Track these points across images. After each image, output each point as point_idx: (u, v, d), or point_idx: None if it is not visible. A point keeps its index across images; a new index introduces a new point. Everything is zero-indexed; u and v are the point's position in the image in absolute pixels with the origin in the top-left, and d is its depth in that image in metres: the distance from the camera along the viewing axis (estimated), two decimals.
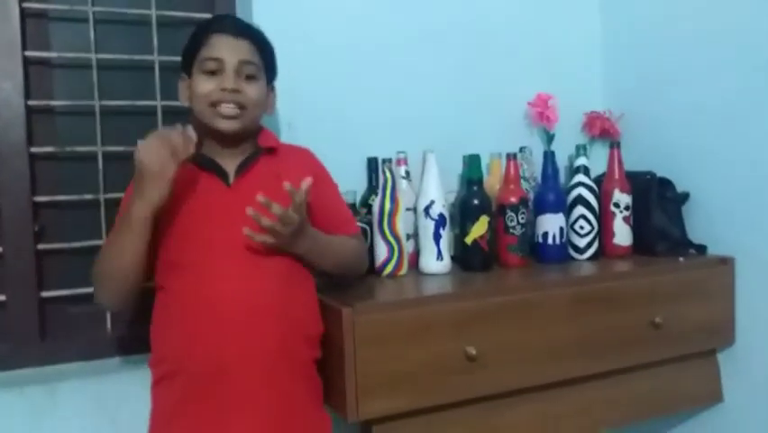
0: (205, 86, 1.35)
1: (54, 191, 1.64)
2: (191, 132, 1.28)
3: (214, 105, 1.35)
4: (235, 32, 1.38)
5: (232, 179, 1.37)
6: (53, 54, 1.66)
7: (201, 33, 1.38)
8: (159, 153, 1.23)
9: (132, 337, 1.62)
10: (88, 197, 1.64)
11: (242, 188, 1.35)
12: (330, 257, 1.43)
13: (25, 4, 1.60)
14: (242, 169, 1.38)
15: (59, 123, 1.69)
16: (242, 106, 1.36)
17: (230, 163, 1.38)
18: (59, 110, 1.69)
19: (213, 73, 1.35)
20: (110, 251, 1.31)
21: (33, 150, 1.60)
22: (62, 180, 1.67)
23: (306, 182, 1.27)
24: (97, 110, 1.66)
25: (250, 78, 1.37)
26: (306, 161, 1.50)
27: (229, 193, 1.36)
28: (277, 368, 1.29)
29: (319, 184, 1.44)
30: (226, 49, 1.35)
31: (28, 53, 1.60)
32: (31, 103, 1.60)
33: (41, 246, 1.61)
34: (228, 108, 1.34)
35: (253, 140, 1.44)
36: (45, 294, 1.61)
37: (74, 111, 1.69)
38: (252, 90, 1.37)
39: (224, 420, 1.27)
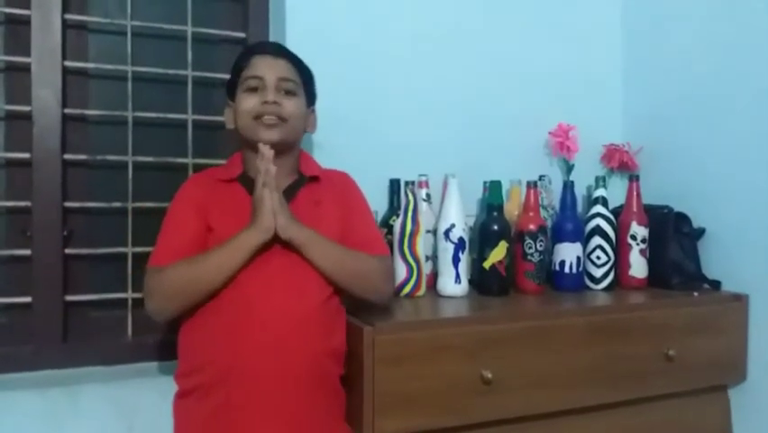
0: (247, 102, 1.43)
1: (84, 198, 1.68)
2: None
3: (256, 118, 1.41)
4: (274, 52, 1.47)
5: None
6: (91, 65, 1.71)
7: (243, 58, 1.48)
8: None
9: (153, 345, 1.66)
10: (117, 204, 1.69)
11: None
12: (338, 264, 1.40)
13: (67, 16, 1.65)
14: (287, 197, 1.40)
15: (92, 131, 1.74)
16: (282, 118, 1.42)
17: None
18: (93, 119, 1.73)
19: (254, 90, 1.43)
20: (204, 268, 1.33)
21: (67, 156, 1.65)
22: (92, 187, 1.72)
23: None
24: (130, 121, 1.70)
25: (289, 93, 1.44)
26: (343, 187, 1.54)
27: None
28: (309, 383, 1.33)
29: (348, 207, 1.50)
30: (266, 67, 1.43)
31: (67, 63, 1.65)
32: (67, 111, 1.65)
33: (68, 250, 1.65)
34: (269, 118, 1.41)
35: (295, 163, 1.50)
36: (69, 298, 1.65)
37: (107, 120, 1.73)
38: (291, 104, 1.44)
39: (258, 429, 1.30)
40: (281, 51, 1.48)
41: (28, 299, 1.61)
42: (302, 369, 1.32)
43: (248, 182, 1.43)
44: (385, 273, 1.48)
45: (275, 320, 1.31)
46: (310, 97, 1.53)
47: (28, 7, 1.60)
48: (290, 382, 1.31)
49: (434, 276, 1.71)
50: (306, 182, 1.48)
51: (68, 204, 1.65)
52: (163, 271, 1.35)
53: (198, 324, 1.35)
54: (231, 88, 1.49)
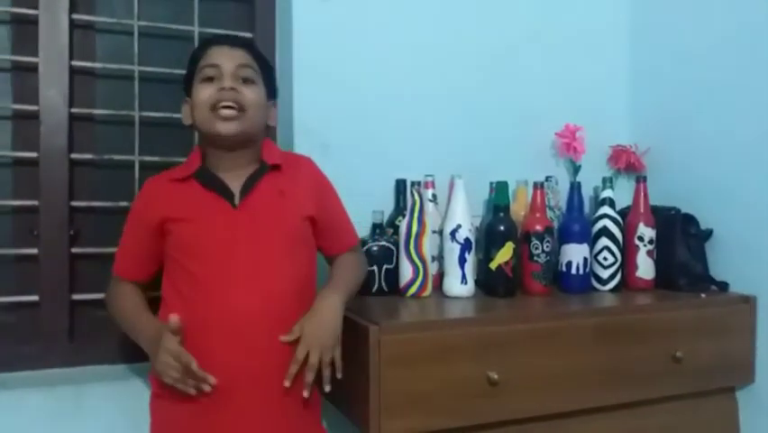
0: (204, 91, 1.37)
1: (90, 197, 1.69)
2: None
3: (213, 108, 1.36)
4: (231, 42, 1.42)
5: (237, 199, 1.38)
6: (98, 65, 1.71)
7: (199, 50, 1.43)
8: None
9: None
10: (123, 204, 1.68)
11: (248, 209, 1.38)
12: (355, 291, 1.50)
13: (74, 16, 1.66)
14: (248, 188, 1.39)
15: (98, 131, 1.74)
16: (240, 108, 1.37)
17: (234, 180, 1.40)
18: (100, 119, 1.73)
19: (211, 80, 1.38)
20: (122, 318, 1.44)
21: (74, 156, 1.65)
22: (99, 187, 1.72)
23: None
24: (137, 120, 1.71)
25: (247, 81, 1.40)
26: (307, 174, 1.52)
27: (235, 214, 1.37)
28: (282, 386, 1.32)
29: (322, 196, 1.50)
30: (222, 55, 1.38)
31: (74, 63, 1.65)
32: (74, 111, 1.65)
33: (75, 250, 1.65)
34: (227, 111, 1.36)
35: (257, 153, 1.45)
36: (76, 297, 1.65)
37: (114, 120, 1.74)
38: (250, 92, 1.39)
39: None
40: (239, 42, 1.44)
41: (35, 298, 1.62)
42: (274, 373, 1.32)
43: (206, 177, 1.39)
44: (364, 263, 1.60)
45: (244, 324, 1.31)
46: (271, 90, 1.48)
47: (36, 7, 1.61)
48: (262, 387, 1.31)
49: (440, 277, 1.71)
50: (267, 170, 1.43)
51: (74, 203, 1.65)
52: (114, 285, 1.46)
53: None
54: (187, 83, 1.43)
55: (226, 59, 1.38)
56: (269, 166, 1.43)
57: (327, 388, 1.32)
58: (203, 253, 1.35)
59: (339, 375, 1.33)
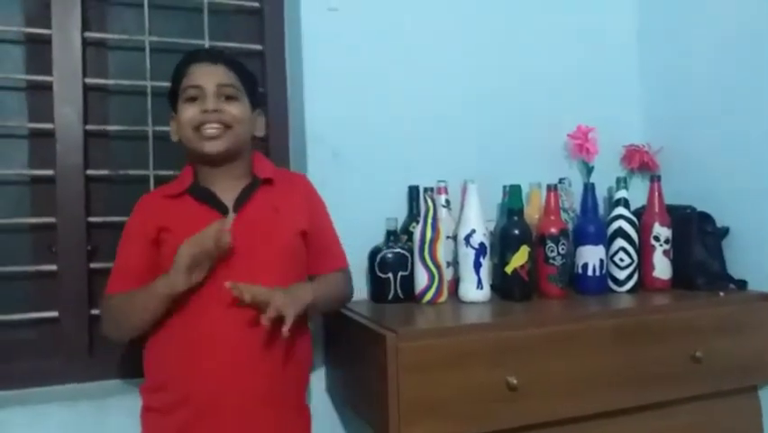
0: (187, 112, 1.39)
1: (107, 212, 1.70)
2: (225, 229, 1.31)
3: (197, 128, 1.38)
4: (210, 59, 1.42)
5: (230, 213, 1.40)
6: (111, 81, 1.73)
7: (181, 67, 1.43)
8: (195, 254, 1.28)
9: None
10: None
11: (242, 224, 1.38)
12: (329, 306, 1.51)
13: (86, 34, 1.68)
14: (241, 203, 1.40)
15: (113, 147, 1.76)
16: (225, 125, 1.38)
17: (227, 193, 1.41)
18: (114, 134, 1.75)
19: (194, 100, 1.39)
20: (132, 307, 1.36)
21: (89, 172, 1.67)
22: (115, 202, 1.73)
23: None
24: (150, 135, 1.72)
25: (230, 98, 1.41)
26: (303, 191, 1.53)
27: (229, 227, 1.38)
28: (270, 401, 1.34)
29: (314, 213, 1.51)
30: (204, 75, 1.39)
31: (88, 80, 1.67)
32: (88, 127, 1.67)
33: (93, 265, 1.66)
34: (211, 129, 1.37)
35: (248, 167, 1.47)
36: (95, 312, 1.66)
37: (128, 135, 1.75)
38: (234, 108, 1.40)
39: None
40: (219, 57, 1.44)
41: (54, 314, 1.64)
42: (260, 388, 1.33)
43: (199, 192, 1.41)
44: (350, 285, 1.59)
45: (230, 340, 1.32)
46: (254, 100, 1.48)
47: (49, 27, 1.63)
48: (249, 402, 1.32)
49: (456, 282, 1.71)
50: (260, 184, 1.44)
51: (91, 219, 1.67)
52: (108, 300, 1.41)
53: (159, 342, 1.37)
54: (173, 99, 1.45)
55: (207, 79, 1.39)
56: (261, 180, 1.44)
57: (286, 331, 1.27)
58: None
59: (285, 332, 1.26)
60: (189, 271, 1.28)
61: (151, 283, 1.32)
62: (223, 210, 1.39)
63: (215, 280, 1.33)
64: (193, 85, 1.39)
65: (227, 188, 1.41)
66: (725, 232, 1.84)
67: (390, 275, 1.67)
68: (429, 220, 1.63)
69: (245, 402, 1.32)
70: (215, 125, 1.37)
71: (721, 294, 1.72)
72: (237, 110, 1.40)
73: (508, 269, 1.65)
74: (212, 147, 1.38)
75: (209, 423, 1.31)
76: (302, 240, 1.46)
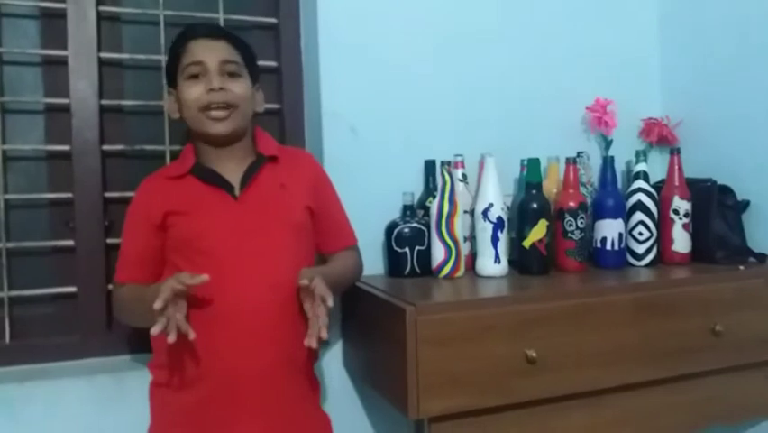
0: (191, 91, 1.36)
1: (123, 188, 1.70)
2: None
3: (203, 109, 1.36)
4: (211, 34, 1.40)
5: (237, 191, 1.38)
6: (125, 56, 1.72)
7: (179, 43, 1.40)
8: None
9: None
10: None
11: (249, 201, 1.38)
12: (339, 288, 1.49)
13: (101, 8, 1.67)
14: (247, 180, 1.39)
15: (128, 122, 1.75)
16: (230, 105, 1.36)
17: (232, 172, 1.39)
18: (129, 109, 1.74)
19: (196, 77, 1.36)
20: (135, 310, 1.35)
21: (105, 147, 1.67)
22: (130, 177, 1.73)
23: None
24: (166, 110, 1.71)
25: (233, 75, 1.38)
26: (307, 167, 1.52)
27: (237, 206, 1.37)
28: (284, 374, 1.35)
29: (321, 191, 1.50)
30: (205, 51, 1.36)
31: (102, 54, 1.66)
32: (104, 102, 1.66)
33: (110, 240, 1.67)
34: (218, 112, 1.35)
35: (251, 144, 1.45)
36: (111, 287, 1.66)
37: (143, 111, 1.75)
38: (238, 87, 1.38)
39: (234, 423, 1.32)
40: (219, 32, 1.41)
41: (73, 289, 1.64)
42: (274, 362, 1.33)
43: (203, 172, 1.39)
44: (360, 263, 1.60)
45: (245, 315, 1.31)
46: (254, 75, 1.46)
47: (63, 1, 1.62)
48: (265, 375, 1.33)
49: (473, 257, 1.70)
50: (264, 162, 1.43)
51: (108, 194, 1.67)
52: (117, 290, 1.42)
53: None
54: (170, 74, 1.42)
55: (210, 55, 1.36)
56: (266, 157, 1.43)
57: (325, 335, 1.25)
58: (207, 246, 1.34)
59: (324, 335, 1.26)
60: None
61: (143, 294, 1.28)
62: (228, 189, 1.38)
63: (228, 257, 1.32)
64: (195, 61, 1.36)
65: (231, 167, 1.40)
66: (745, 205, 1.82)
67: (407, 250, 1.66)
68: (446, 194, 1.61)
69: (262, 376, 1.33)
70: (222, 106, 1.35)
71: (741, 268, 1.70)
72: (241, 88, 1.38)
73: (527, 243, 1.63)
74: (219, 128, 1.37)
75: (226, 397, 1.32)
76: (309, 214, 1.45)
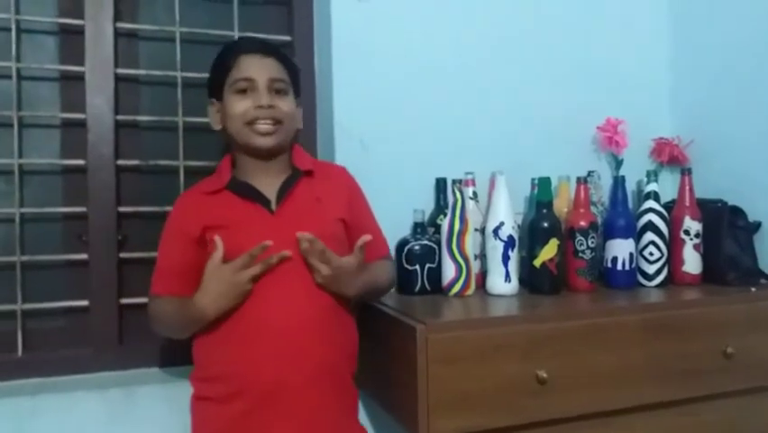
0: (239, 105, 1.39)
1: (137, 202, 1.72)
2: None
3: (250, 123, 1.38)
4: (262, 51, 1.42)
5: (274, 205, 1.40)
6: (142, 72, 1.74)
7: (228, 57, 1.42)
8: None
9: None
10: (170, 209, 1.70)
11: (286, 215, 1.39)
12: (376, 294, 1.52)
13: (119, 24, 1.69)
14: (283, 194, 1.41)
15: (144, 137, 1.77)
16: (277, 121, 1.39)
17: (268, 186, 1.41)
18: (144, 125, 1.76)
19: (244, 92, 1.39)
20: (173, 323, 1.40)
21: (120, 162, 1.68)
22: (145, 192, 1.75)
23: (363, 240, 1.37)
24: (180, 126, 1.73)
25: (279, 92, 1.41)
26: (342, 181, 1.54)
27: (273, 220, 1.39)
28: (324, 385, 1.35)
29: (354, 203, 1.51)
30: (256, 68, 1.39)
31: (119, 71, 1.68)
32: (119, 118, 1.68)
33: (123, 255, 1.68)
34: (264, 125, 1.38)
35: (288, 159, 1.48)
36: (124, 301, 1.68)
37: (158, 126, 1.76)
38: (285, 104, 1.41)
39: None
40: (269, 49, 1.44)
41: (85, 303, 1.66)
42: (316, 372, 1.34)
43: (240, 186, 1.41)
44: (394, 273, 1.63)
45: (287, 327, 1.32)
46: (297, 92, 1.49)
47: (82, 18, 1.64)
48: (306, 386, 1.33)
49: (483, 275, 1.70)
50: (300, 176, 1.45)
51: (122, 209, 1.69)
52: (154, 302, 1.43)
53: (211, 333, 1.36)
54: (214, 86, 1.44)
55: (260, 73, 1.39)
56: (302, 172, 1.45)
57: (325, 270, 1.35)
58: None
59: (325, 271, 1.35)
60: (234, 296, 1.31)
61: (187, 305, 1.33)
62: (265, 203, 1.39)
63: (267, 271, 1.33)
64: (245, 78, 1.39)
65: (268, 181, 1.42)
66: (756, 226, 1.81)
67: (417, 267, 1.66)
68: (457, 212, 1.62)
69: (305, 387, 1.33)
70: (269, 122, 1.38)
71: (753, 290, 1.70)
72: (287, 106, 1.42)
73: (537, 262, 1.64)
74: (264, 142, 1.39)
75: (269, 409, 1.32)
76: (343, 227, 1.46)
